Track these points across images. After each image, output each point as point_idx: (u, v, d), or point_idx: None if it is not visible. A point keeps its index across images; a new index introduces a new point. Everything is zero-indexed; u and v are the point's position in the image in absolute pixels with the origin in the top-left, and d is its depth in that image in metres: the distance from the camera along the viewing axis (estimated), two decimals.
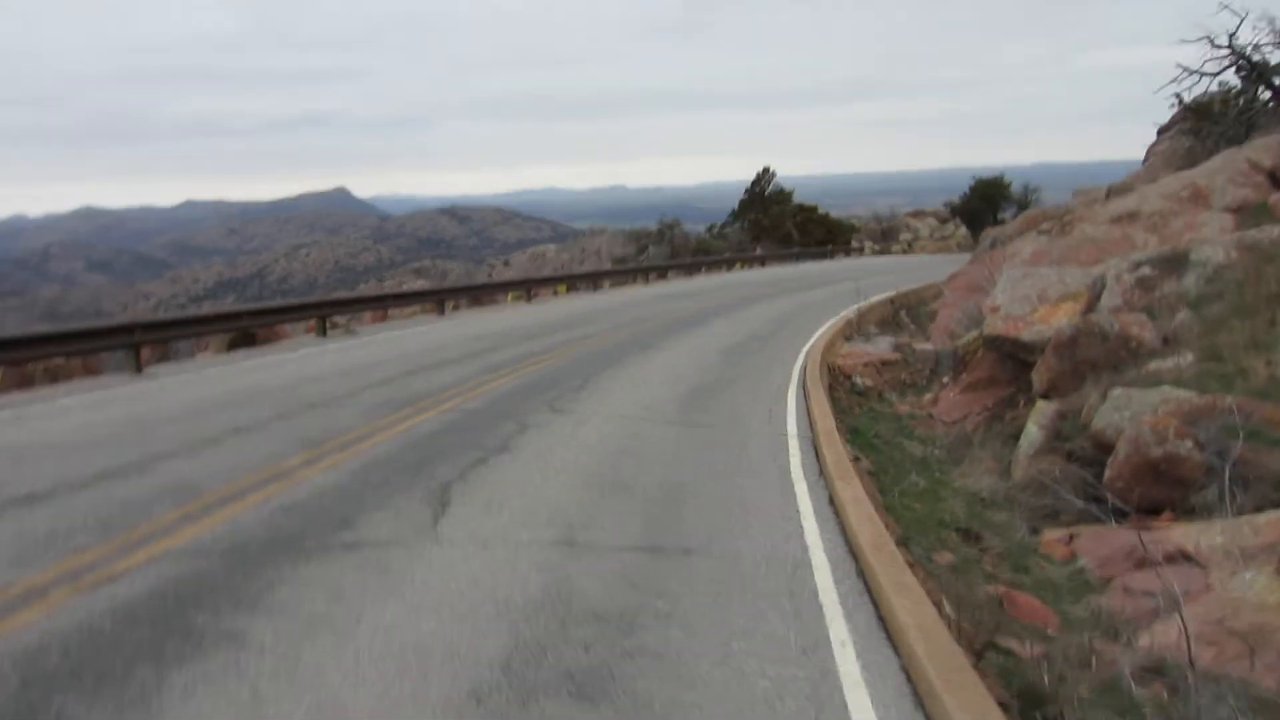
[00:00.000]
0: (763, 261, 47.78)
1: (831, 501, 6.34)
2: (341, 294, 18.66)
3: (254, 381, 11.42)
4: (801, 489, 6.67)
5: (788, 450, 7.95)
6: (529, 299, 25.08)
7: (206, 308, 13.76)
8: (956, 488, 9.38)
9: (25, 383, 11.26)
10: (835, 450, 7.65)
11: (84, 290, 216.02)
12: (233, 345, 14.98)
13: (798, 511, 6.07)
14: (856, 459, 8.64)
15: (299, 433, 8.20)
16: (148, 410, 9.58)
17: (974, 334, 14.75)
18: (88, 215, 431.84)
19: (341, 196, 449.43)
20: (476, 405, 9.62)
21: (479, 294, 22.80)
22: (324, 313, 16.33)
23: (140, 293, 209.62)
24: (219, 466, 6.88)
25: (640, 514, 5.91)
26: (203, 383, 11.44)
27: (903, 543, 6.31)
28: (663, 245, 63.42)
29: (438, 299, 20.22)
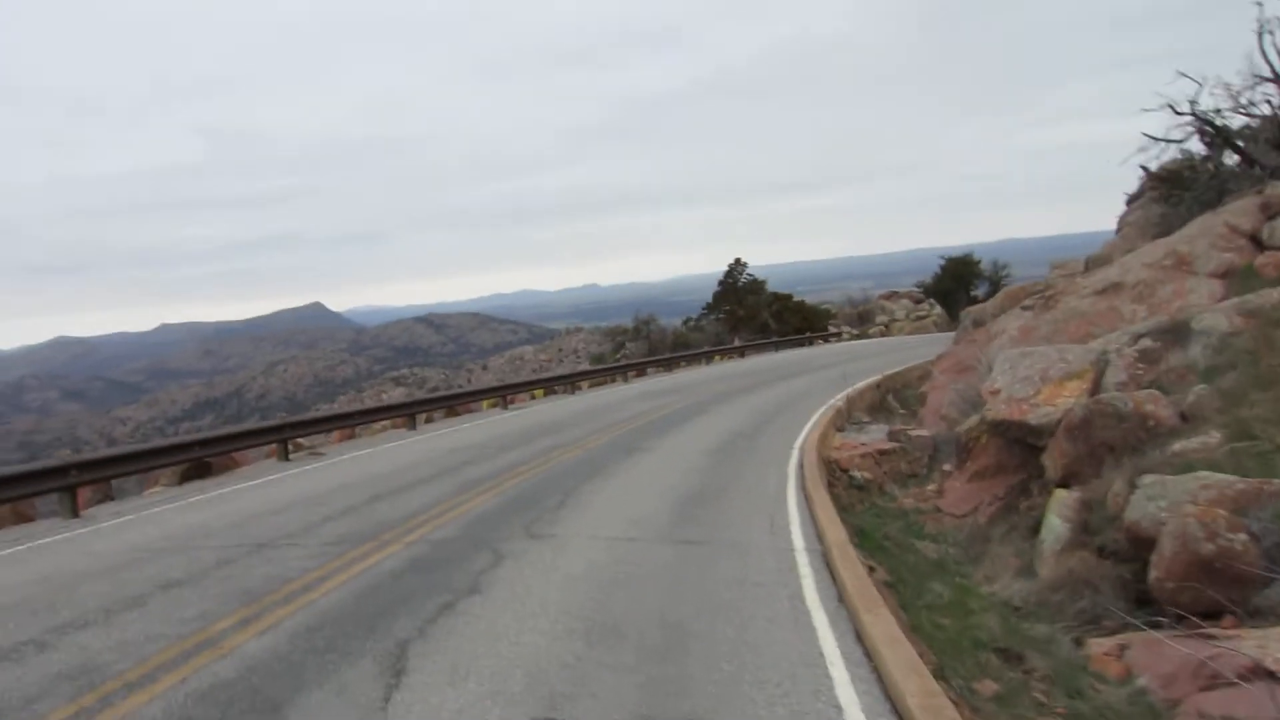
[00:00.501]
0: (742, 352, 47.28)
1: (859, 638, 5.41)
2: (303, 415, 17.57)
3: (199, 520, 10.38)
4: (821, 621, 5.74)
5: (797, 569, 7.03)
6: (505, 405, 24.21)
7: (155, 440, 12.67)
8: (983, 595, 8.47)
9: None
10: (853, 570, 6.73)
11: (59, 420, 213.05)
12: (186, 477, 13.96)
13: (821, 655, 5.13)
14: (872, 569, 7.75)
15: (239, 583, 7.19)
16: (69, 564, 8.51)
17: (975, 419, 14.03)
18: (61, 345, 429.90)
19: (316, 311, 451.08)
20: (447, 533, 8.66)
21: (452, 404, 21.91)
22: (285, 435, 15.35)
23: (116, 419, 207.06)
24: (136, 636, 5.86)
25: (636, 671, 4.95)
26: (142, 525, 10.38)
27: (941, 675, 5.40)
28: (640, 341, 63.06)
29: (408, 412, 19.32)
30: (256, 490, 12.62)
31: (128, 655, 5.49)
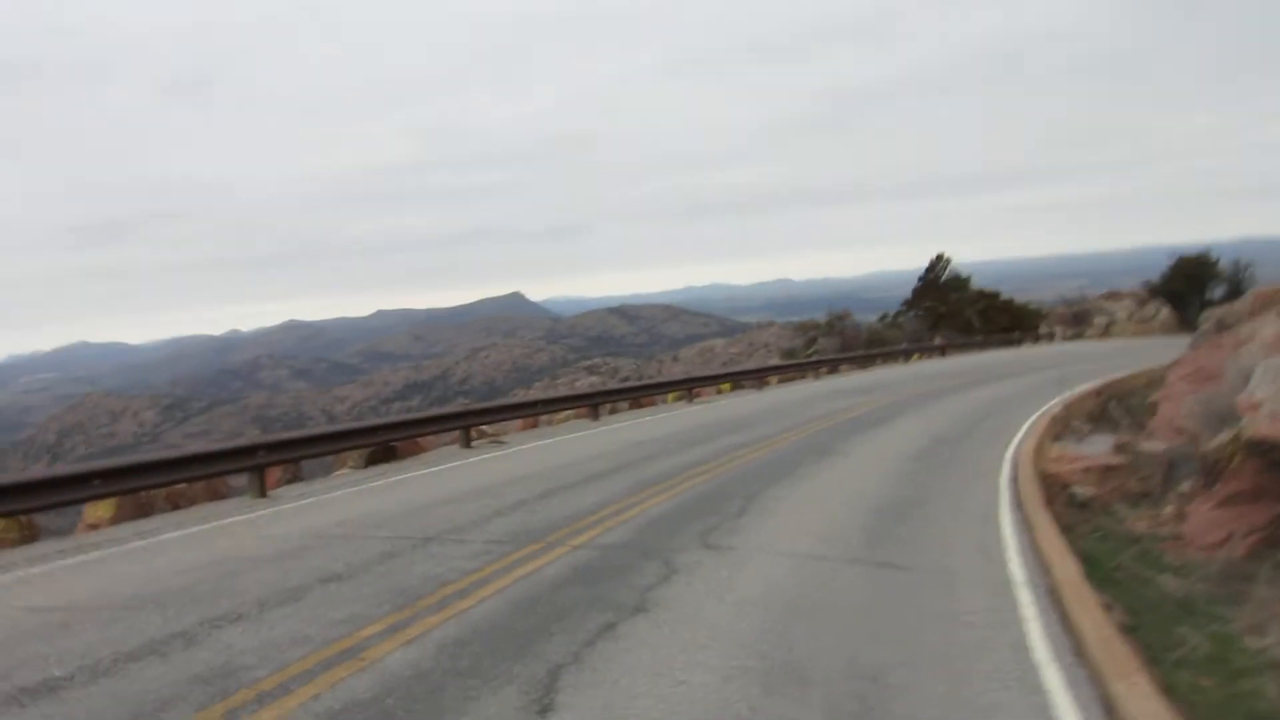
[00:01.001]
0: (943, 351, 44.72)
1: (1109, 715, 4.29)
2: (485, 402, 17.52)
3: (375, 507, 10.25)
4: (1054, 683, 4.64)
5: (1018, 609, 5.90)
6: (691, 399, 23.58)
7: (343, 423, 12.88)
8: (1251, 650, 6.98)
9: (143, 511, 10.60)
10: (1092, 617, 5.54)
11: (288, 396, 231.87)
12: (371, 460, 14.13)
13: None
14: (1108, 607, 6.48)
15: (397, 581, 6.82)
16: (242, 548, 8.45)
17: (1227, 435, 12.10)
18: (291, 328, 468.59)
19: (516, 300, 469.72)
20: (617, 537, 8.03)
21: (637, 395, 21.49)
22: (467, 423, 15.33)
23: (336, 397, 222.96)
24: (282, 637, 5.51)
25: None
26: (320, 509, 10.35)
27: None
28: (833, 337, 61.12)
29: (591, 403, 19.02)
30: (434, 478, 12.50)
31: (269, 660, 5.11)
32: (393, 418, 13.71)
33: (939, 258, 61.81)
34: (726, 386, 27.17)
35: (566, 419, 19.73)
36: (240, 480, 11.74)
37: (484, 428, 16.64)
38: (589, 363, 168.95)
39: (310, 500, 10.98)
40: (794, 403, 21.76)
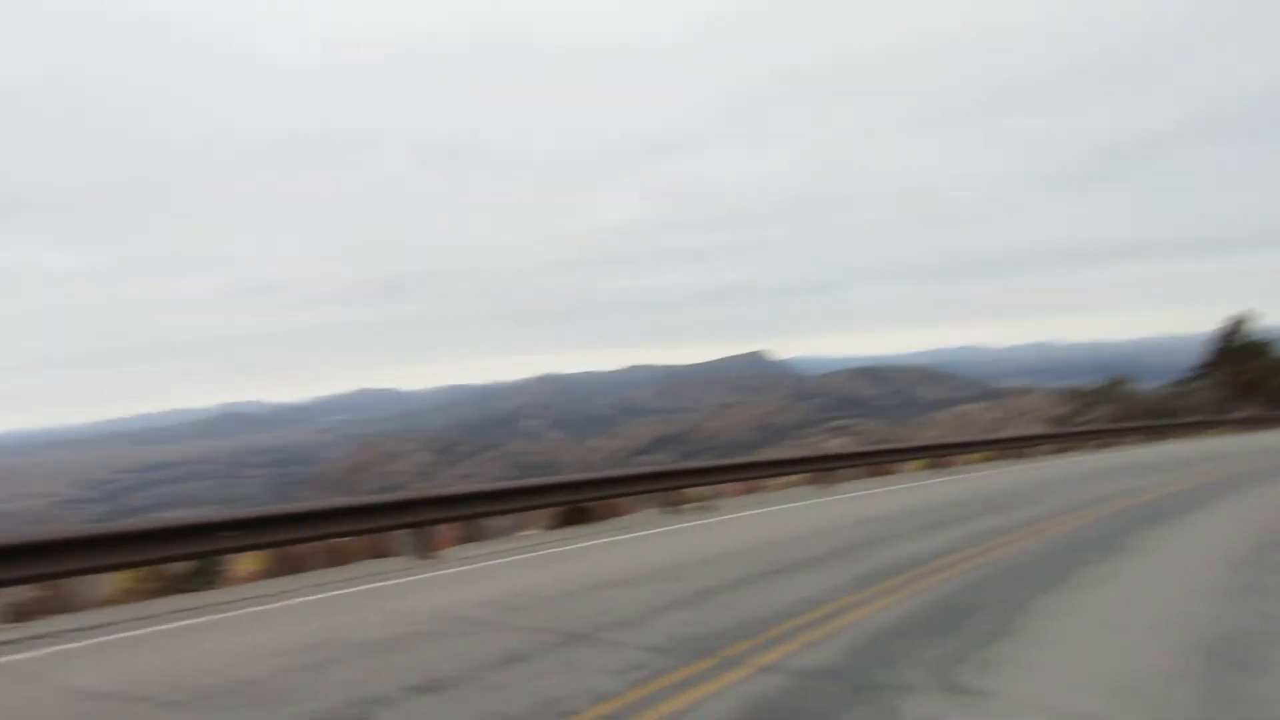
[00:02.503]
0: (1249, 425, 38.17)
1: None
2: (691, 463, 15.52)
3: (532, 582, 8.61)
4: None
5: None
6: (938, 469, 20.61)
7: (535, 478, 11.38)
8: None
9: (295, 566, 9.62)
10: None
11: (546, 445, 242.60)
12: (565, 521, 12.68)
13: None
14: None
15: (506, 702, 5.04)
16: (351, 629, 6.98)
17: None
18: (549, 380, 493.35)
19: (760, 358, 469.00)
20: (821, 659, 5.84)
21: (874, 461, 18.91)
22: (670, 484, 13.57)
23: (590, 448, 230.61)
24: None
25: None
26: (472, 580, 8.86)
27: None
28: (1108, 405, 54.62)
29: (820, 468, 16.73)
30: (615, 549, 10.74)
31: None
32: (580, 475, 12.20)
33: (1239, 319, 54.00)
34: (981, 456, 23.80)
35: (789, 485, 17.52)
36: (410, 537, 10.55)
37: (692, 491, 14.83)
38: (837, 423, 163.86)
39: (469, 567, 9.53)
40: (1066, 479, 18.31)
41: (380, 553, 10.74)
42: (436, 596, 8.14)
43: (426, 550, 9.93)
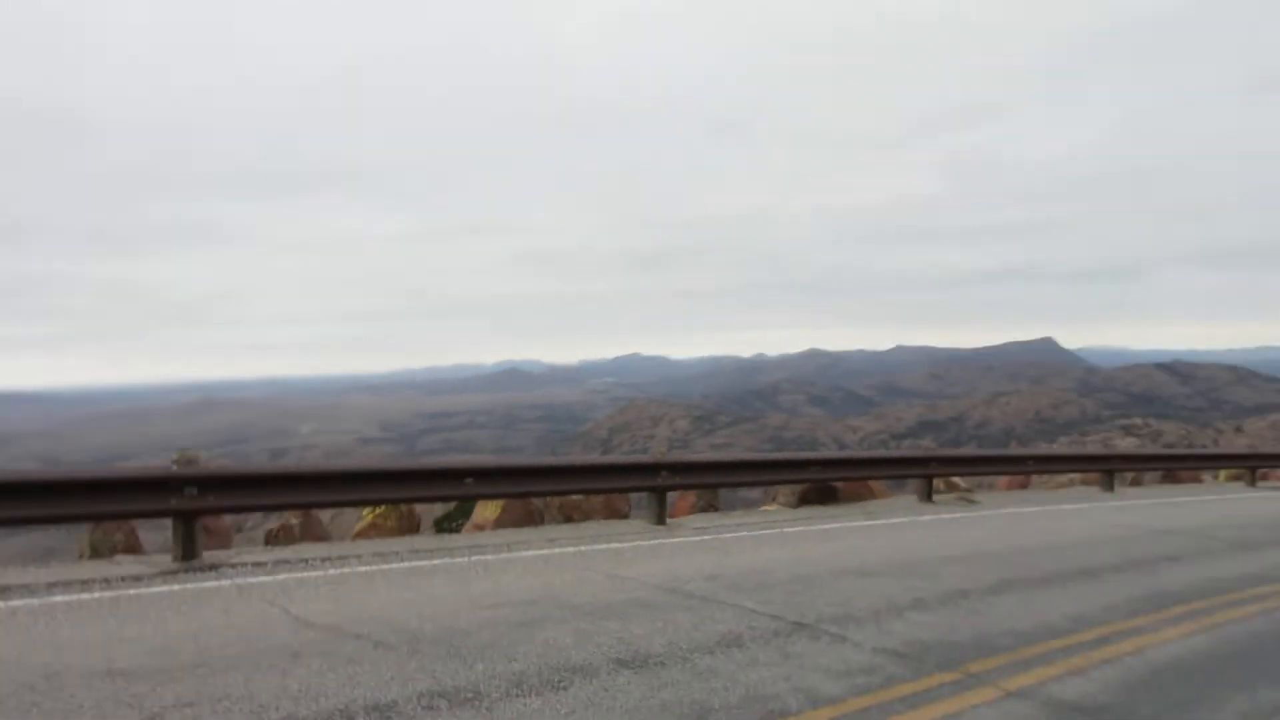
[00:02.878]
0: None
1: None
2: (955, 450, 14.04)
3: (766, 560, 8.04)
4: None
5: None
6: (1253, 481, 17.84)
7: (783, 453, 10.63)
8: None
9: (533, 519, 9.64)
10: None
11: (804, 420, 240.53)
12: (805, 499, 12.00)
13: None
14: None
15: (704, 691, 4.59)
16: (568, 591, 6.69)
17: None
18: (813, 356, 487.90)
19: (1047, 346, 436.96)
20: (1087, 691, 4.92)
21: (1172, 466, 16.60)
22: (931, 471, 12.45)
23: (848, 426, 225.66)
24: None
25: None
26: (703, 550, 8.40)
27: None
28: None
29: (1104, 468, 14.84)
30: (864, 533, 9.95)
31: None
32: (834, 453, 11.51)
33: None
34: None
35: (1069, 484, 15.76)
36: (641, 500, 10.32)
37: (955, 480, 13.65)
38: (1127, 421, 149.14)
39: (703, 537, 9.15)
40: None
41: (616, 514, 10.66)
42: (663, 565, 7.84)
43: (663, 516, 9.69)
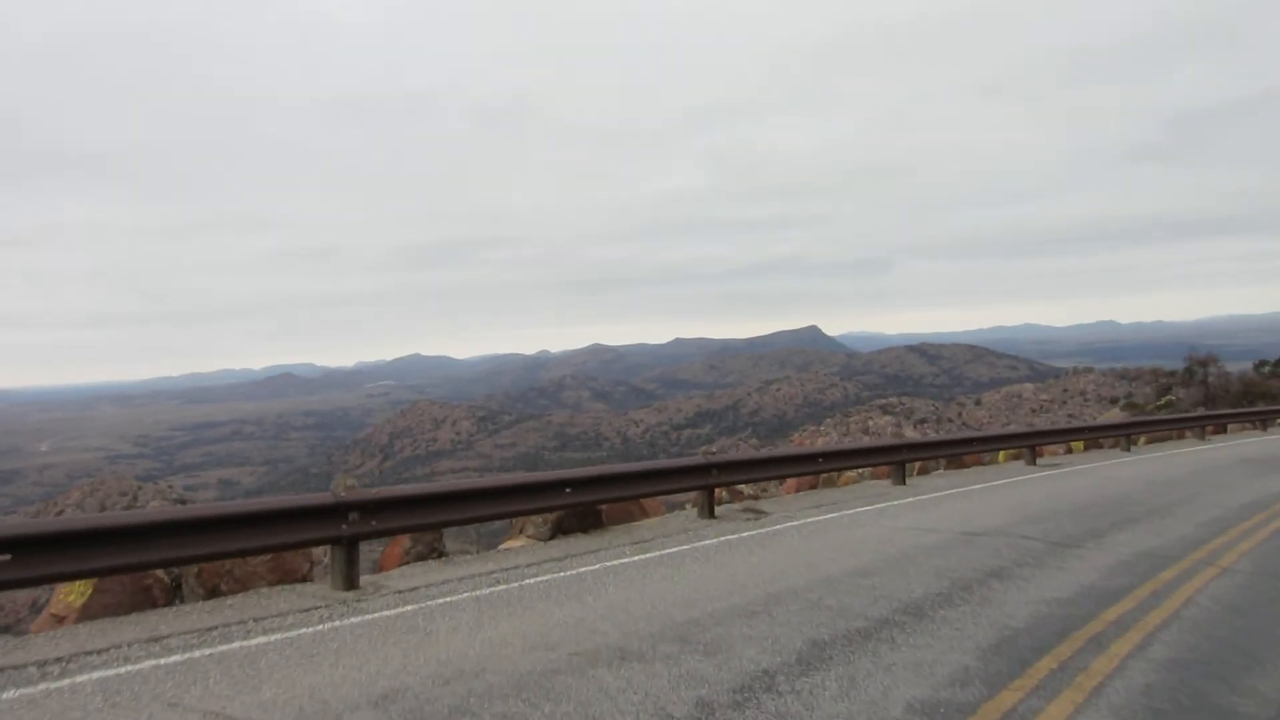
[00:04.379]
0: None
1: None
2: (739, 453, 12.23)
3: (451, 656, 5.54)
4: None
5: None
6: (1033, 460, 17.24)
7: (539, 472, 8.74)
8: None
9: (149, 600, 6.71)
10: None
11: (588, 416, 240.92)
12: (562, 528, 9.63)
13: None
14: None
15: None
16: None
17: None
18: (595, 351, 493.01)
19: (813, 334, 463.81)
20: None
21: (957, 453, 15.60)
22: (711, 481, 10.23)
23: (631, 419, 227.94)
24: None
25: None
26: (367, 646, 5.87)
27: None
28: (1192, 388, 50.47)
29: (892, 460, 13.41)
30: (616, 581, 7.61)
31: None
32: (598, 469, 9.18)
33: None
34: (1078, 445, 20.31)
35: (858, 478, 14.29)
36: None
37: (740, 487, 11.75)
38: (884, 401, 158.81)
39: (403, 609, 6.39)
40: (1192, 476, 14.91)
41: (289, 576, 7.78)
42: (322, 676, 5.12)
43: (353, 576, 6.97)
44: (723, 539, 9.13)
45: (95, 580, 6.15)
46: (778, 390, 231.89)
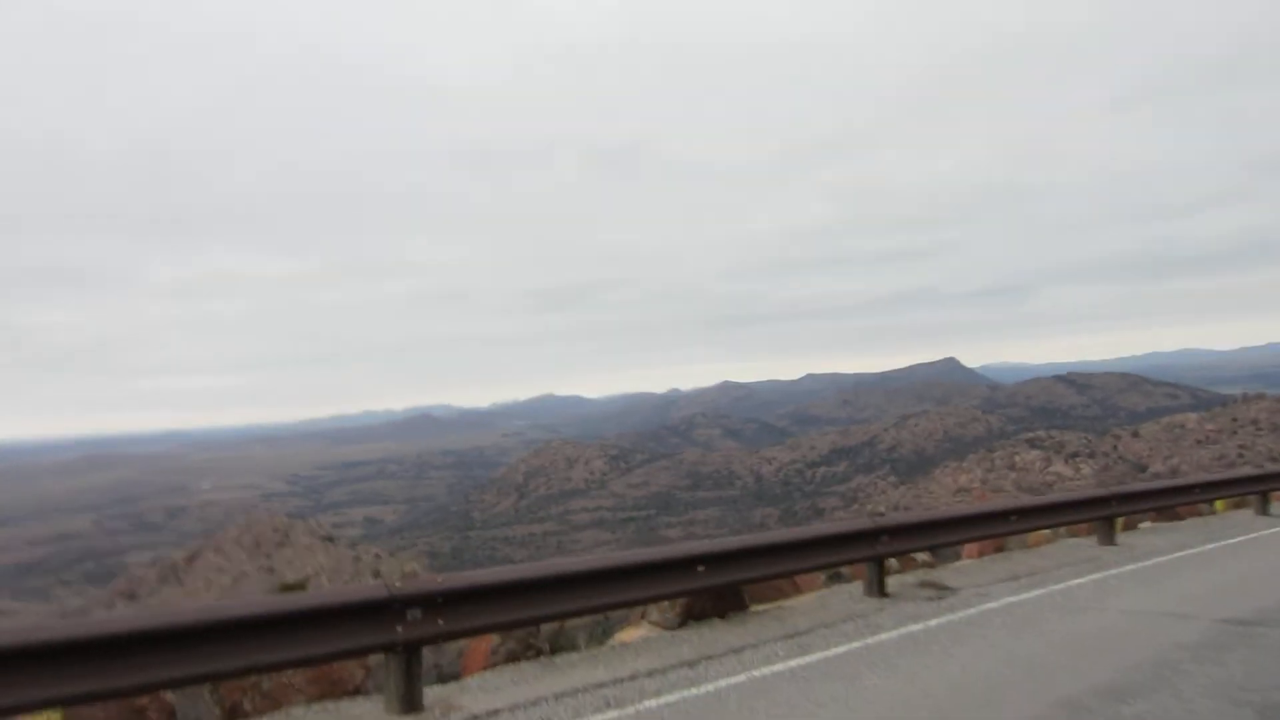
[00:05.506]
0: None
1: None
2: (911, 514, 9.74)
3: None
4: None
5: None
6: (1264, 508, 14.27)
7: (649, 549, 6.95)
8: None
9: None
10: None
11: (719, 455, 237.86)
12: (692, 613, 7.73)
13: None
14: None
15: None
16: None
17: None
18: (725, 389, 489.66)
19: (950, 366, 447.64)
20: None
21: (1166, 504, 12.88)
22: (880, 549, 8.25)
23: (763, 458, 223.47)
24: None
25: None
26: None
27: None
28: None
29: (1101, 513, 10.84)
30: (768, 700, 5.69)
31: None
32: (744, 540, 7.23)
33: None
34: None
35: (1053, 537, 11.79)
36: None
37: (917, 555, 9.54)
38: (1031, 435, 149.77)
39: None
40: None
41: (337, 689, 6.15)
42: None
43: (414, 695, 5.24)
44: (903, 631, 6.99)
45: (63, 710, 4.61)
46: (916, 425, 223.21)
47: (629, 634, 7.10)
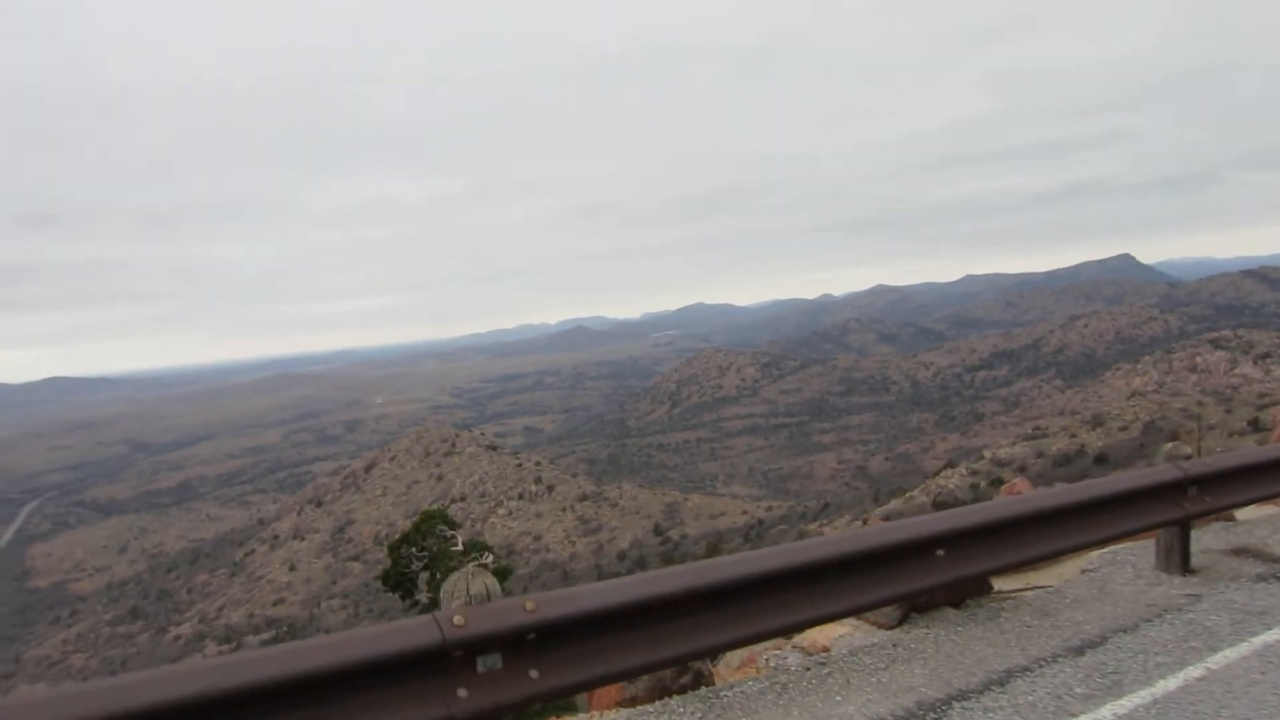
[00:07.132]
0: None
1: None
2: (1228, 457, 6.94)
3: None
4: None
5: None
6: None
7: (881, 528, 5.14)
8: None
9: None
10: None
11: (874, 360, 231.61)
12: (916, 604, 5.54)
13: None
14: None
15: None
16: None
17: None
18: (880, 293, 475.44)
19: (1124, 263, 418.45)
20: None
21: None
22: (1187, 508, 5.84)
23: (920, 363, 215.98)
24: None
25: None
26: None
27: None
28: None
29: None
30: None
31: None
32: (996, 508, 4.90)
33: None
34: None
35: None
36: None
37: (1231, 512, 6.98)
38: (1215, 335, 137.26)
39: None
40: None
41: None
42: None
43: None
44: (1255, 642, 4.54)
45: None
46: (1085, 326, 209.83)
47: (826, 633, 4.90)
